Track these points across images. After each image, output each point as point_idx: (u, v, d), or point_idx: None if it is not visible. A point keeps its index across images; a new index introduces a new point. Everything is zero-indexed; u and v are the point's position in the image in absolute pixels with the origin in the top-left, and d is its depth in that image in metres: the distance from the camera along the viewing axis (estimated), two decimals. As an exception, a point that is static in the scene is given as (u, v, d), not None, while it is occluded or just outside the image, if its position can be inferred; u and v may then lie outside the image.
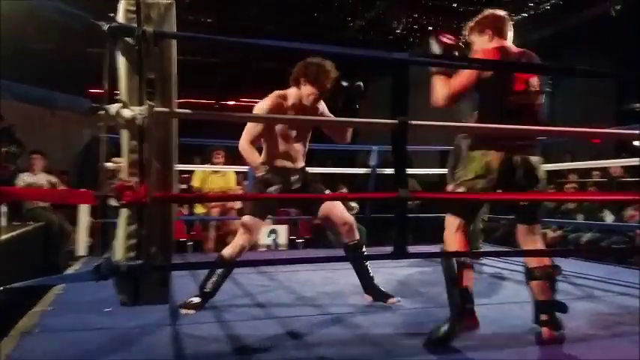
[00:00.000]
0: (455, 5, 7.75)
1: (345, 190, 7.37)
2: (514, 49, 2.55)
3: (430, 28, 8.45)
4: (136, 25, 1.70)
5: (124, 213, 1.76)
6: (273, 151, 3.14)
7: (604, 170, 7.50)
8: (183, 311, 2.90)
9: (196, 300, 2.99)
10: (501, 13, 2.61)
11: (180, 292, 3.21)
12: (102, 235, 4.57)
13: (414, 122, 1.94)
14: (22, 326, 2.50)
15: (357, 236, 3.21)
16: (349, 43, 8.67)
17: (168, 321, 2.68)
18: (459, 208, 2.51)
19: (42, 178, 6.15)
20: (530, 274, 2.49)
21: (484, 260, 5.04)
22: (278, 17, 8.50)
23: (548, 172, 6.44)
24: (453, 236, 2.52)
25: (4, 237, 3.92)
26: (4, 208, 4.97)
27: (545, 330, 2.40)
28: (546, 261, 2.49)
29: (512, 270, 4.51)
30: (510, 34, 2.60)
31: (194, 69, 9.15)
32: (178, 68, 1.82)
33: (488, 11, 2.62)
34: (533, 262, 2.50)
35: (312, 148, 6.68)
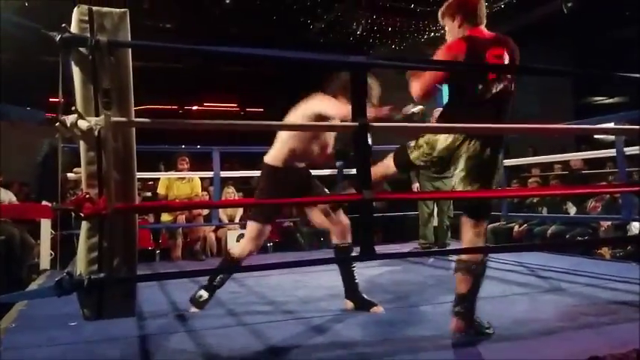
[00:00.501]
0: (412, 6, 7.85)
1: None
2: (486, 34, 2.51)
3: (389, 29, 8.54)
4: (88, 35, 1.68)
5: (85, 225, 1.73)
6: (298, 150, 3.04)
7: (565, 163, 7.72)
8: (191, 309, 3.04)
9: (205, 295, 3.09)
10: None
11: (148, 302, 3.17)
12: (65, 248, 4.46)
13: (373, 124, 1.96)
14: (-17, 346, 2.43)
15: (350, 239, 3.14)
16: (310, 45, 8.69)
17: (135, 332, 2.63)
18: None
19: (1, 194, 5.97)
20: (455, 266, 2.51)
21: (452, 257, 5.11)
22: (240, 20, 8.45)
23: (512, 166, 6.65)
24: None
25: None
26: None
27: (454, 320, 2.42)
28: (477, 257, 2.49)
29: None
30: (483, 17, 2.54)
31: (156, 75, 9.03)
32: (139, 74, 1.80)
33: None
34: (464, 255, 2.53)
35: (259, 151, 6.73)
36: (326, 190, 3.49)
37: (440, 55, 2.46)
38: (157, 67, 9.52)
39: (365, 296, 3.09)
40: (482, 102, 2.40)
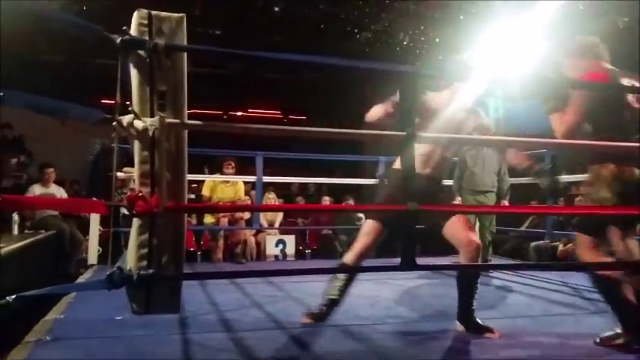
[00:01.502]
0: (462, 17, 7.78)
1: (351, 201, 7.38)
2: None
3: (437, 39, 8.47)
4: (147, 38, 1.74)
5: (136, 223, 1.78)
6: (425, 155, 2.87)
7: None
8: (304, 319, 2.90)
9: (323, 308, 2.91)
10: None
11: (189, 302, 3.23)
12: (113, 244, 4.60)
13: (421, 134, 1.96)
14: (34, 334, 2.52)
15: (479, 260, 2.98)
16: (355, 55, 8.71)
17: (178, 330, 2.69)
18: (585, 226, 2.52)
19: (53, 190, 6.21)
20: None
21: (493, 273, 5.02)
22: (286, 28, 8.55)
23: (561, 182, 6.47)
24: (587, 254, 2.49)
25: (16, 245, 3.97)
26: (17, 217, 5.03)
27: None
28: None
29: (520, 283, 4.50)
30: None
31: (202, 80, 9.23)
32: (187, 79, 1.85)
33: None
34: None
35: (320, 158, 6.78)
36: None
37: None
38: (203, 72, 9.73)
39: (479, 321, 2.83)
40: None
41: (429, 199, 2.77)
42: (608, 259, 2.49)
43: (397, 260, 1.99)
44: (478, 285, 2.85)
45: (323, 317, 2.89)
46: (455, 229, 2.80)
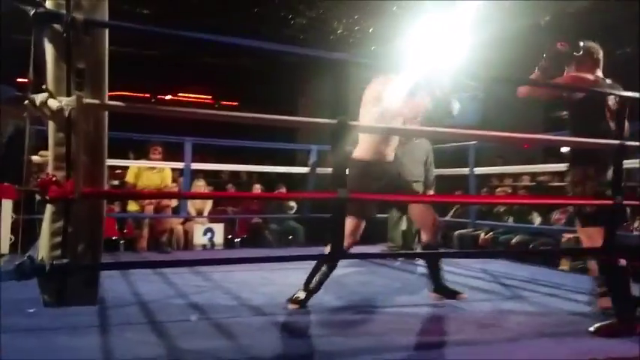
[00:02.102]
0: (394, 8, 7.89)
1: (283, 189, 7.35)
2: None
3: (370, 30, 8.55)
4: (65, 12, 1.62)
5: (49, 209, 1.67)
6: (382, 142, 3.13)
7: (533, 175, 7.86)
8: (290, 305, 2.99)
9: (302, 295, 3.02)
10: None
11: (110, 293, 3.09)
12: (27, 233, 4.32)
13: (353, 123, 1.95)
14: None
15: (439, 238, 3.31)
16: (289, 42, 8.63)
17: (96, 322, 2.56)
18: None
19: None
20: None
21: (418, 261, 5.16)
22: (219, 11, 8.34)
23: (482, 175, 6.75)
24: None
25: None
26: None
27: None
28: None
29: (445, 271, 4.64)
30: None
31: (128, 61, 8.84)
32: (111, 59, 1.74)
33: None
34: None
35: (251, 146, 6.69)
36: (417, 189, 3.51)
37: None
38: (129, 52, 9.30)
39: (449, 286, 3.24)
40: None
41: (391, 186, 3.04)
42: None
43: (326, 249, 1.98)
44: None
45: (304, 303, 3.02)
46: (422, 210, 3.17)
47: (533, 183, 7.58)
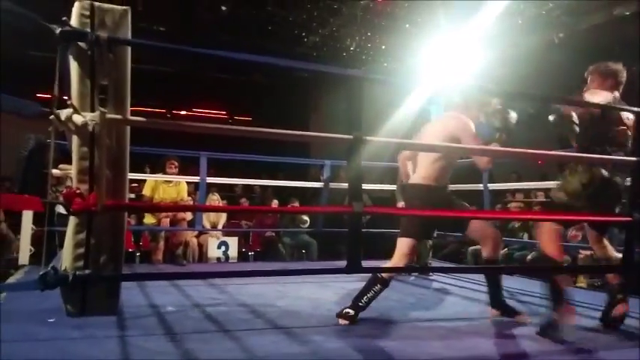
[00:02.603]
0: (407, 26, 7.95)
1: (296, 204, 7.38)
2: None
3: (383, 47, 8.62)
4: (89, 30, 1.68)
5: (73, 221, 1.71)
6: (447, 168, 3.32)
7: (548, 191, 7.80)
8: (340, 321, 3.00)
9: (351, 312, 3.04)
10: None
11: (128, 304, 3.13)
12: (46, 244, 4.39)
13: (368, 138, 1.99)
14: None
15: (500, 254, 3.39)
16: (302, 59, 8.73)
17: (115, 333, 2.59)
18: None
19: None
20: None
21: (432, 276, 5.15)
22: (233, 28, 8.47)
23: (495, 191, 6.73)
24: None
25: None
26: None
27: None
28: None
29: (458, 286, 4.63)
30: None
31: (145, 78, 8.99)
32: (130, 75, 1.79)
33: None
34: None
35: (264, 160, 6.74)
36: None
37: None
38: (147, 69, 9.47)
39: (510, 305, 3.32)
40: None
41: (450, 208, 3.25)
42: None
43: (341, 263, 2.00)
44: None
45: (355, 319, 3.05)
46: (482, 226, 3.33)
47: (548, 199, 7.53)
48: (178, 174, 6.02)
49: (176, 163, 5.92)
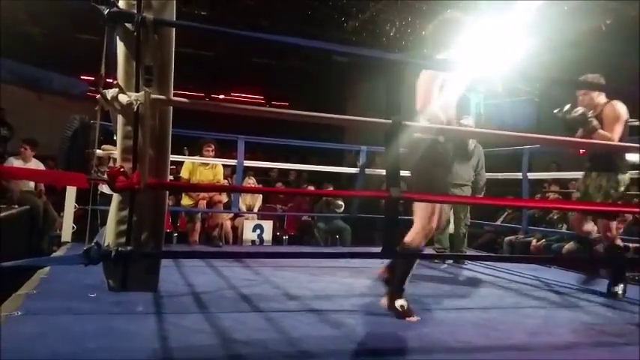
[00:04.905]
0: (449, 11, 7.79)
1: (330, 188, 7.40)
2: None
3: (423, 32, 8.47)
4: (135, 12, 1.71)
5: (116, 199, 1.76)
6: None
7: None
8: (408, 319, 2.75)
9: (405, 303, 2.81)
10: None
11: (165, 283, 3.20)
12: (89, 222, 4.53)
13: (407, 123, 1.97)
14: (5, 308, 2.48)
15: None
16: (342, 44, 8.68)
17: (153, 309, 2.67)
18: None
19: (32, 165, 6.10)
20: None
21: (467, 265, 5.09)
22: (273, 13, 8.48)
23: (535, 180, 6.59)
24: None
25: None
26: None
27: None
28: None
29: (493, 276, 4.57)
30: None
31: (185, 61, 9.10)
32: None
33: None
34: None
35: (300, 145, 6.76)
36: None
37: None
38: (186, 53, 9.59)
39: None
40: None
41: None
42: None
43: (375, 249, 1.99)
44: (412, 270, 2.86)
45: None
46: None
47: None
48: (216, 157, 6.10)
49: (213, 146, 5.99)
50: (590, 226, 3.86)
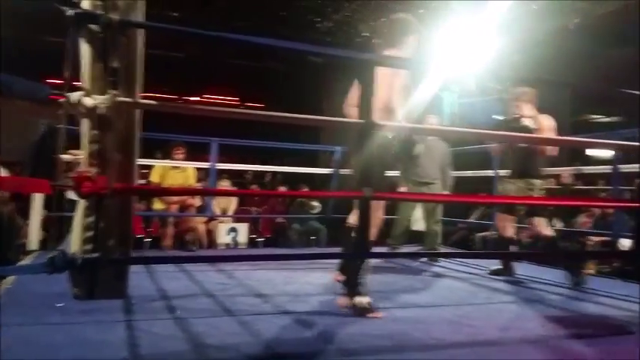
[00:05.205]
0: (421, 12, 7.85)
1: (306, 189, 7.38)
2: None
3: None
4: (101, 13, 1.67)
5: (82, 204, 1.72)
6: None
7: (557, 178, 7.75)
8: (372, 315, 2.79)
9: (365, 300, 2.84)
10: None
11: (136, 289, 3.15)
12: (56, 229, 4.42)
13: (379, 122, 1.96)
14: (-32, 320, 2.40)
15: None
16: (316, 45, 8.68)
17: (123, 317, 2.61)
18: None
19: (-6, 170, 5.91)
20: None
21: (440, 262, 5.13)
22: (246, 14, 8.42)
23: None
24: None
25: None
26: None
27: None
28: None
29: (466, 272, 4.62)
30: None
31: (156, 63, 8.97)
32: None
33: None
34: None
35: (275, 146, 6.73)
36: None
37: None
38: (158, 55, 9.46)
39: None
40: None
41: None
42: None
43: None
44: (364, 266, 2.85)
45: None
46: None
47: (559, 186, 7.48)
48: (189, 160, 6.03)
49: (182, 149, 5.90)
50: (510, 229, 4.33)
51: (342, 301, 2.92)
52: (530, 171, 4.15)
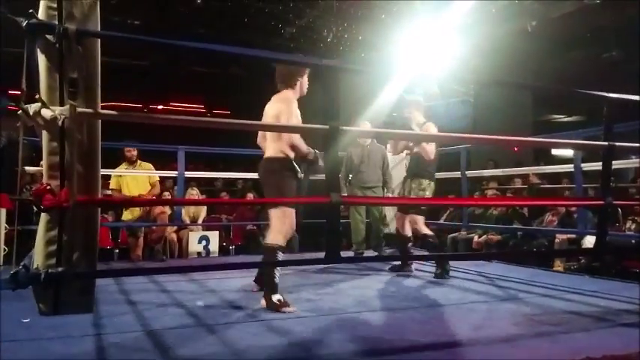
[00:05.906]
0: (383, 16, 7.96)
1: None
2: None
3: (360, 37, 8.62)
4: (57, 23, 1.64)
5: (44, 218, 1.68)
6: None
7: (524, 178, 7.92)
8: (285, 309, 3.03)
9: (279, 297, 3.09)
10: None
11: (105, 302, 3.09)
12: (19, 244, 4.30)
13: (344, 127, 1.98)
14: None
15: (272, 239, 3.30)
16: (280, 50, 8.69)
17: (92, 331, 2.56)
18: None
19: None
20: None
21: (413, 264, 5.17)
22: (209, 21, 8.39)
23: (473, 178, 6.82)
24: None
25: None
26: None
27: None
28: None
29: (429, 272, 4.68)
30: None
31: (120, 71, 8.85)
32: (104, 70, 1.76)
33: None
34: None
35: (242, 153, 6.70)
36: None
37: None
38: (121, 63, 9.33)
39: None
40: None
41: None
42: None
43: (322, 254, 1.99)
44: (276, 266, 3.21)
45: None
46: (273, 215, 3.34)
47: (525, 186, 7.64)
48: (156, 169, 5.92)
49: (134, 149, 5.74)
50: (408, 228, 4.60)
51: (263, 302, 3.15)
52: (420, 172, 4.48)
